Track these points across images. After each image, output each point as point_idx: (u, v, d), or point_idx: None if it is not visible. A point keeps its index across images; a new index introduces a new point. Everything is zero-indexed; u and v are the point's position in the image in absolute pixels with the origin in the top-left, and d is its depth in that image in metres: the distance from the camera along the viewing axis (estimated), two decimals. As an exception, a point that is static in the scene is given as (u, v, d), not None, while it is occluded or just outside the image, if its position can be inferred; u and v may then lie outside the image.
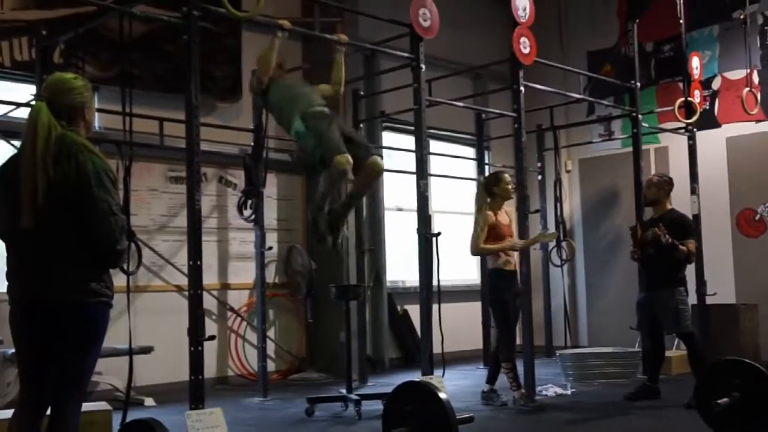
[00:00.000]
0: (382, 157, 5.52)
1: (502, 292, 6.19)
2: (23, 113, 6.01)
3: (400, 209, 9.49)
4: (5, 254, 3.04)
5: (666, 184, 6.47)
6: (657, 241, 6.08)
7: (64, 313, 2.90)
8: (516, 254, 6.32)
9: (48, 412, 2.99)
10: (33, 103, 3.10)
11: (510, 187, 6.37)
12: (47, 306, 2.91)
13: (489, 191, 6.35)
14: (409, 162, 6.79)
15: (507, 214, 6.45)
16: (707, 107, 9.13)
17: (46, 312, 2.90)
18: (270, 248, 7.48)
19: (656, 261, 6.21)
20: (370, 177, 5.37)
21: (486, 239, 6.20)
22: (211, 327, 7.52)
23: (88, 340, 2.98)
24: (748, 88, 8.03)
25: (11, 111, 6.23)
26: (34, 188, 2.85)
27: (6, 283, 3.04)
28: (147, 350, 6.43)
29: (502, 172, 6.65)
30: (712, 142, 9.09)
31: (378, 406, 5.59)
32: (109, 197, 2.92)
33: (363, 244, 8.03)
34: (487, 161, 9.82)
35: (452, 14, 8.49)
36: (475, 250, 6.31)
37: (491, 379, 6.38)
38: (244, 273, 8.11)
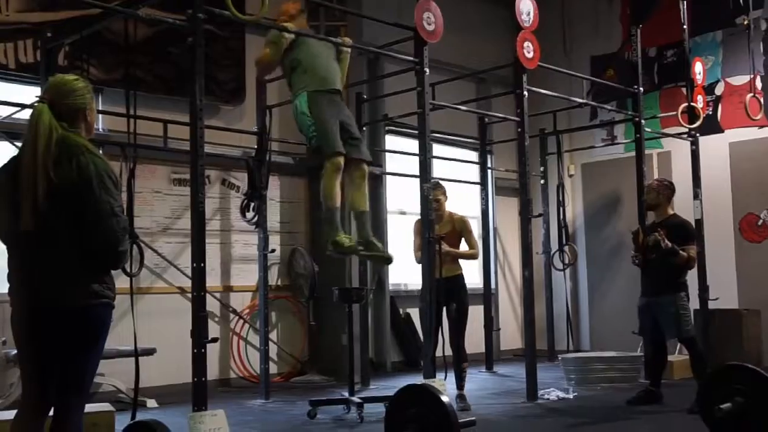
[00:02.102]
0: (370, 162, 5.59)
1: None
2: (28, 115, 6.03)
3: (402, 212, 9.49)
4: (7, 255, 3.05)
5: (665, 188, 6.46)
6: (658, 246, 6.08)
7: (66, 314, 2.90)
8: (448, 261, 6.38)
9: (51, 413, 3.00)
10: (35, 104, 3.09)
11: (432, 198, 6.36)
12: (49, 308, 2.90)
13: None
14: (413, 165, 6.80)
15: (451, 222, 6.44)
16: (710, 112, 9.12)
17: (48, 313, 2.90)
18: (273, 251, 7.48)
19: (657, 266, 6.21)
20: (354, 181, 5.37)
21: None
22: (213, 329, 7.52)
23: (91, 342, 2.97)
24: (751, 94, 8.03)
25: (16, 112, 6.25)
26: (34, 190, 2.84)
27: (8, 284, 3.04)
28: (149, 352, 6.42)
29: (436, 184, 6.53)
30: (715, 148, 9.09)
31: (380, 409, 5.60)
32: (110, 198, 2.92)
33: (366, 247, 8.03)
34: (489, 165, 9.83)
35: (456, 18, 8.51)
36: (416, 259, 6.39)
37: (459, 384, 6.39)
38: (246, 275, 8.12)
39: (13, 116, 6.28)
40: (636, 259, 6.44)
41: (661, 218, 6.42)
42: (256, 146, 7.18)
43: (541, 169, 10.02)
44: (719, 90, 9.36)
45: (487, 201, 9.52)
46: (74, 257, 2.91)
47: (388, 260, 5.67)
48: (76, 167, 2.88)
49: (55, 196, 2.86)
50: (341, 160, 5.12)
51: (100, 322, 2.98)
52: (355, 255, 5.83)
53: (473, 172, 9.81)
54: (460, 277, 6.50)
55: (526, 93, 6.69)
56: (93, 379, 3.12)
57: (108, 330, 3.03)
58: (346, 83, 6.02)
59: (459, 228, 6.53)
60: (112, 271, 3.06)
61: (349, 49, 5.72)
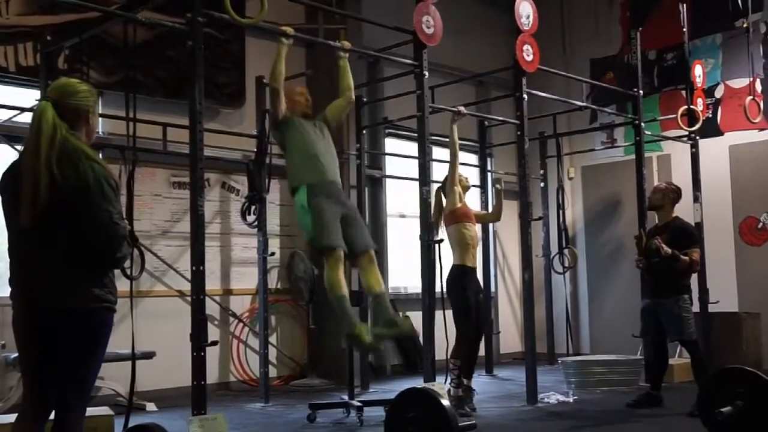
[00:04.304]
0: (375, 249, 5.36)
1: (464, 290, 6.27)
2: (28, 118, 6.04)
3: (402, 216, 9.50)
4: (9, 258, 3.04)
5: (672, 192, 6.48)
6: (658, 252, 6.11)
7: (67, 318, 2.88)
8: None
9: (51, 417, 2.99)
10: (38, 102, 3.07)
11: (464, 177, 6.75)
12: (50, 312, 2.89)
13: (445, 191, 6.53)
14: (412, 168, 6.81)
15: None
16: (710, 115, 9.12)
17: (49, 318, 2.89)
18: (272, 254, 7.47)
19: (661, 269, 6.22)
20: (366, 269, 5.20)
21: (456, 221, 6.39)
22: (213, 332, 7.48)
23: (92, 346, 2.96)
24: (750, 97, 8.05)
25: (16, 116, 6.25)
26: (35, 186, 2.82)
27: (10, 287, 3.04)
28: (149, 355, 6.42)
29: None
30: (715, 151, 9.09)
31: (380, 412, 5.60)
32: (109, 206, 2.90)
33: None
34: (489, 168, 9.83)
35: (456, 21, 8.52)
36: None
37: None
38: (246, 278, 8.11)
39: (13, 119, 6.29)
40: (639, 263, 6.45)
41: (664, 221, 6.44)
42: (255, 149, 7.18)
43: (541, 172, 10.02)
44: (719, 93, 9.36)
45: (486, 204, 9.52)
46: (74, 260, 2.89)
47: (409, 336, 5.39)
48: (74, 173, 2.87)
49: (55, 198, 2.84)
50: (340, 253, 4.98)
51: (101, 327, 2.97)
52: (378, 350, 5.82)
53: (473, 175, 9.80)
54: None
55: (525, 96, 6.69)
56: (94, 383, 3.11)
57: (109, 334, 3.02)
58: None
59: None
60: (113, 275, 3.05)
61: (347, 54, 5.71)
